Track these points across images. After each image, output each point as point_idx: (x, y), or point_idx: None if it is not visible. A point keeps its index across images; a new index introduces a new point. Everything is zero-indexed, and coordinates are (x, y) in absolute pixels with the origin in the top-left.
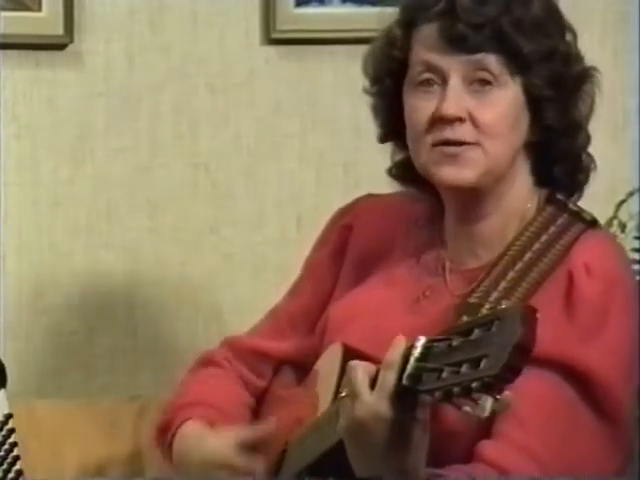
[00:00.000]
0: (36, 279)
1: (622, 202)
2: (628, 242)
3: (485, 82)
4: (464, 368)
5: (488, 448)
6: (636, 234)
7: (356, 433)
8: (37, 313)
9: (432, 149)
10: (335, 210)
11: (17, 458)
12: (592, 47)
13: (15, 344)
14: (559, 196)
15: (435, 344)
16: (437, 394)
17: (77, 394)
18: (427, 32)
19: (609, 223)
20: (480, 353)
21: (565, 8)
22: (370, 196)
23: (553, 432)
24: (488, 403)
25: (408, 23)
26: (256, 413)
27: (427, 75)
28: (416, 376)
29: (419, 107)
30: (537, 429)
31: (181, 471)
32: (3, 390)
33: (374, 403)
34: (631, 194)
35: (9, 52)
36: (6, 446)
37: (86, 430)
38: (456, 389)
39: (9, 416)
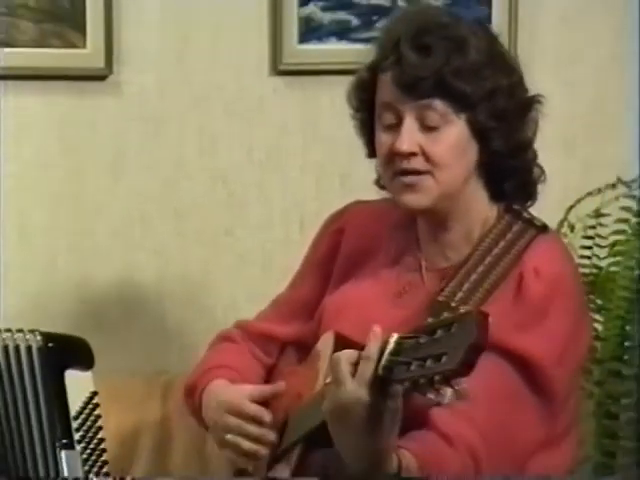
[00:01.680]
0: (82, 274)
1: (571, 207)
2: (576, 240)
3: (433, 122)
4: (428, 362)
5: (439, 417)
6: (583, 234)
7: (338, 414)
8: (83, 302)
9: (393, 178)
10: (327, 218)
11: (100, 428)
12: (545, 77)
13: (65, 328)
14: (515, 206)
15: (406, 341)
16: (406, 383)
17: (115, 370)
18: (385, 79)
19: (561, 224)
20: (442, 350)
21: (522, 43)
22: (359, 202)
23: (495, 405)
24: (448, 392)
25: (373, 68)
26: (267, 384)
27: (387, 115)
28: (389, 368)
29: (382, 142)
30: (481, 402)
31: (209, 424)
32: (90, 371)
33: (354, 390)
34: (579, 200)
35: (59, 82)
36: (92, 417)
37: (122, 400)
38: (422, 380)
39: (94, 393)
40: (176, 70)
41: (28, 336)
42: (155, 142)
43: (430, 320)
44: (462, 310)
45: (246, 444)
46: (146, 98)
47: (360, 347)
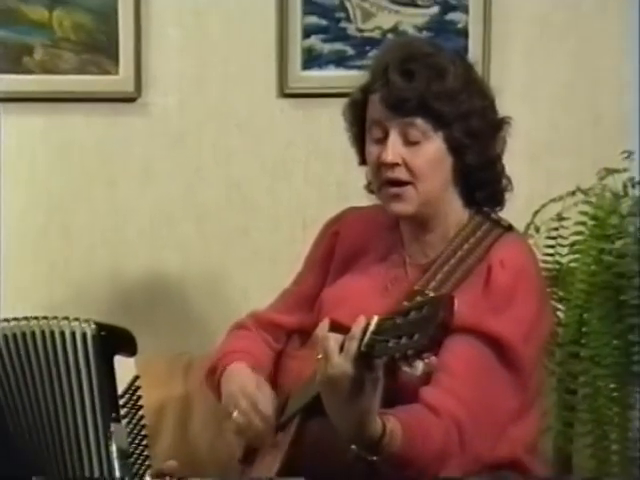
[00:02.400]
0: (113, 266)
1: (537, 212)
2: (541, 241)
3: (415, 137)
4: (403, 340)
5: (425, 392)
6: (546, 234)
7: (327, 384)
8: (115, 291)
9: (381, 188)
10: (325, 222)
11: (141, 407)
12: (513, 101)
13: (99, 313)
14: (486, 209)
15: (384, 322)
16: (384, 358)
17: (142, 351)
18: (375, 99)
19: (528, 227)
20: (414, 329)
21: (494, 71)
22: (352, 209)
23: (474, 380)
24: (420, 365)
25: (365, 90)
26: (276, 367)
27: (375, 130)
28: (371, 345)
29: (371, 152)
30: (462, 378)
31: (224, 401)
32: (134, 358)
33: (341, 364)
34: (543, 206)
35: (96, 104)
36: (135, 397)
37: (148, 378)
38: (397, 355)
39: (137, 377)
40: (195, 93)
41: (83, 324)
42: (178, 154)
43: (405, 303)
44: (432, 295)
45: (252, 420)
46: (169, 117)
47: (348, 329)
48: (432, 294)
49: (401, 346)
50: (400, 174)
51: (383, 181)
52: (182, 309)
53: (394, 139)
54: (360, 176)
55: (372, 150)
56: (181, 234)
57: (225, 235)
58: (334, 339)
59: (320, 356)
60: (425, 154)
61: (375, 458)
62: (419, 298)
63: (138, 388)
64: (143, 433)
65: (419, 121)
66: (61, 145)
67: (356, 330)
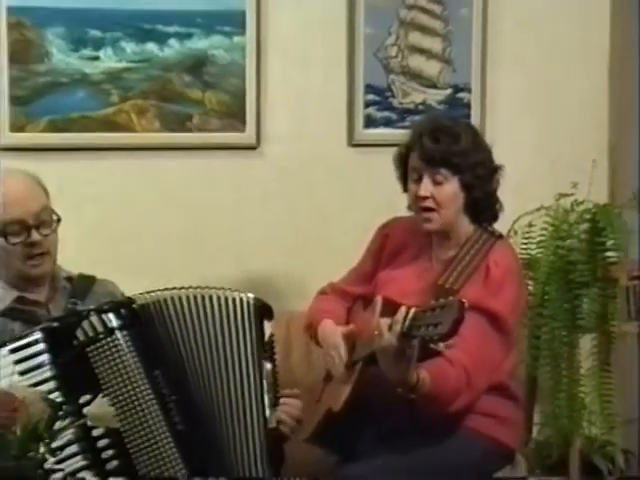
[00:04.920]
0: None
1: (515, 221)
2: (518, 240)
3: (440, 180)
4: (430, 328)
5: (446, 352)
6: (522, 236)
7: (381, 352)
8: (246, 278)
9: (417, 212)
10: (379, 226)
11: (275, 353)
12: (501, 152)
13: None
14: (485, 224)
15: (419, 313)
16: (418, 339)
17: None
18: (414, 154)
19: (509, 231)
20: (438, 321)
21: (489, 131)
22: (398, 218)
23: (477, 341)
24: (441, 345)
25: (408, 147)
26: (347, 320)
27: (414, 174)
28: (409, 327)
29: (411, 189)
30: (469, 340)
31: (320, 345)
32: (271, 322)
33: (389, 339)
34: (519, 217)
35: (232, 151)
36: (272, 347)
37: None
38: (427, 338)
39: (273, 334)
40: (295, 144)
41: (242, 294)
42: (288, 187)
43: (433, 302)
44: (451, 299)
45: (335, 358)
46: (280, 161)
47: (395, 304)
48: (451, 298)
49: (429, 332)
50: (429, 204)
51: (418, 208)
52: (291, 282)
53: (426, 181)
54: (404, 198)
55: (412, 187)
56: (277, 239)
57: (324, 243)
58: (385, 322)
59: (376, 332)
60: (446, 191)
61: (413, 396)
62: (442, 299)
63: (274, 341)
64: (277, 370)
65: (443, 170)
66: (212, 176)
67: (399, 316)
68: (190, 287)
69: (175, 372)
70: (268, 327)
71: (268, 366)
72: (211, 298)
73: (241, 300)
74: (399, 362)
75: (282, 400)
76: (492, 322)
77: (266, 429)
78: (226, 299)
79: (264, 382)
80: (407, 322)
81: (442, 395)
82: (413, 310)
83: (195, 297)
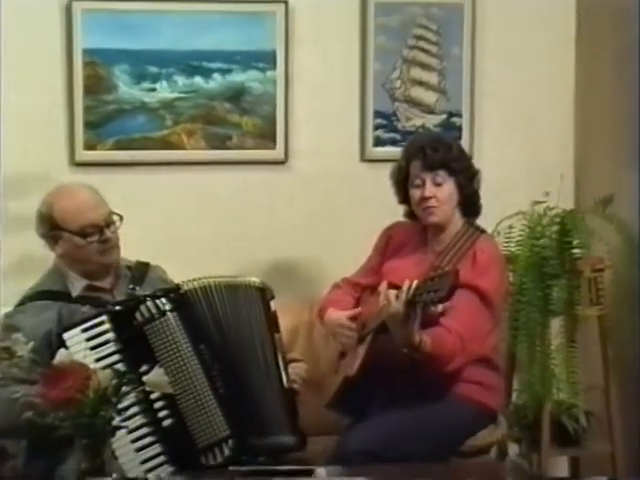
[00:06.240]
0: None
1: (498, 224)
2: (501, 240)
3: (440, 181)
4: (430, 294)
5: (443, 320)
6: (504, 236)
7: (389, 317)
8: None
9: (422, 209)
10: (384, 229)
11: (278, 326)
12: (488, 165)
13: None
14: (471, 219)
15: (420, 284)
16: (421, 303)
17: (283, 297)
18: (415, 163)
19: (493, 232)
20: (437, 287)
21: (476, 150)
22: (399, 222)
23: (468, 314)
24: (440, 307)
25: (408, 159)
26: (357, 305)
27: (416, 180)
28: (414, 295)
29: (414, 193)
30: (462, 313)
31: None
32: (273, 300)
33: (397, 306)
34: (501, 221)
35: (263, 165)
36: (276, 322)
37: (288, 312)
38: (428, 302)
39: (275, 312)
40: (315, 161)
41: (252, 279)
42: (310, 195)
43: (432, 273)
44: (447, 269)
45: (343, 337)
46: (303, 174)
47: (398, 287)
48: (447, 269)
49: (430, 297)
50: (433, 203)
51: (423, 207)
52: (314, 274)
53: (429, 184)
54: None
55: (415, 192)
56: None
57: (338, 241)
58: (392, 292)
59: (385, 302)
60: (445, 191)
61: (416, 355)
62: (440, 271)
63: (277, 317)
64: (282, 339)
65: (441, 172)
66: (248, 186)
67: (404, 287)
68: (222, 276)
69: (215, 346)
70: (272, 304)
71: (277, 336)
72: (238, 285)
73: (255, 285)
74: (405, 326)
75: (291, 364)
76: (481, 298)
77: (283, 388)
78: (248, 285)
79: (277, 351)
80: (411, 291)
81: (441, 356)
82: (415, 281)
83: (228, 284)
